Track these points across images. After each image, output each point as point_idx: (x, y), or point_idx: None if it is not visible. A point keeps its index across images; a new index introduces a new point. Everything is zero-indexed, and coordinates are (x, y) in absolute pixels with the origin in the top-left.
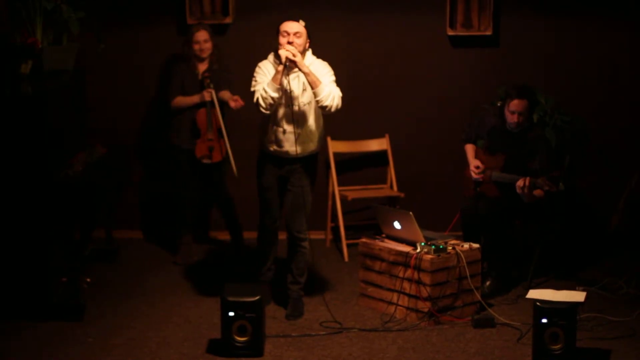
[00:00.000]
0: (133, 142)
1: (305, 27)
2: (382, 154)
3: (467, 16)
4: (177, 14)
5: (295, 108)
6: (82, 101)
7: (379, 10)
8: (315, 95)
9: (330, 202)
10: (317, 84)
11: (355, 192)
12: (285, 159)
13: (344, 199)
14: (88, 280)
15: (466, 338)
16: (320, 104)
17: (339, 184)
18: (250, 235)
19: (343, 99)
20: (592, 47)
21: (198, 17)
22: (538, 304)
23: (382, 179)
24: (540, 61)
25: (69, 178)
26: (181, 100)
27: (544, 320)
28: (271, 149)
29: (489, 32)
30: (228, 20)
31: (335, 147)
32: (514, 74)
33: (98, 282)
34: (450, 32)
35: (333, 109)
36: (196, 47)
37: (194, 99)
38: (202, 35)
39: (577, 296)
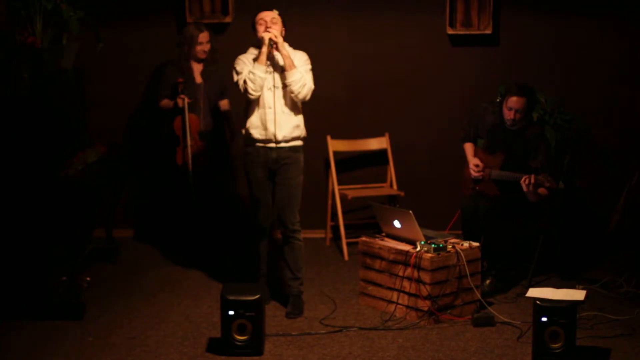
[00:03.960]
0: (133, 141)
1: (280, 15)
2: (382, 153)
3: (467, 15)
4: (176, 13)
5: (279, 88)
6: (82, 100)
7: (379, 9)
8: (286, 77)
9: (330, 201)
10: (292, 67)
11: (355, 191)
12: (272, 147)
13: (343, 198)
14: (88, 279)
15: (466, 337)
16: (289, 87)
17: (339, 183)
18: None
19: (343, 97)
20: (592, 46)
21: (198, 17)
22: (538, 302)
23: (382, 178)
24: (540, 60)
25: (68, 177)
26: (166, 104)
27: (544, 319)
28: (257, 135)
29: (488, 31)
30: (228, 19)
31: (335, 145)
32: (514, 72)
33: (98, 281)
34: (450, 31)
35: (300, 97)
36: (199, 48)
37: (171, 104)
38: (205, 37)
39: (577, 295)
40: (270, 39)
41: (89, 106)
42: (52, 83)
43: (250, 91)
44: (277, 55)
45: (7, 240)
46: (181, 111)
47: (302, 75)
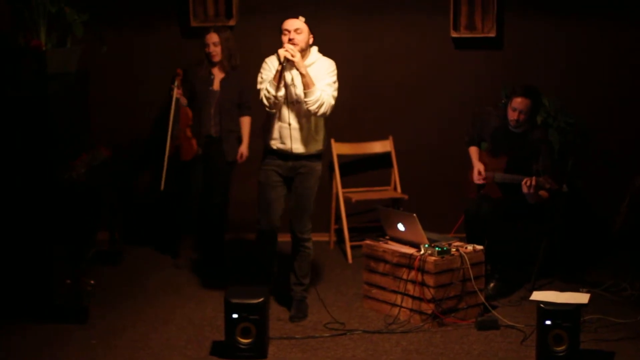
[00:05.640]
0: (136, 144)
1: (306, 22)
2: (385, 156)
3: (470, 18)
4: (180, 17)
5: (299, 104)
6: (86, 103)
7: (383, 12)
8: (304, 95)
9: (334, 204)
10: (310, 86)
11: (359, 194)
12: (289, 155)
13: (347, 201)
14: (91, 282)
15: (470, 340)
16: (305, 107)
17: (343, 186)
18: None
19: (347, 101)
20: (596, 49)
21: (202, 20)
22: (542, 305)
23: (386, 181)
24: (543, 63)
25: (72, 180)
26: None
27: (548, 322)
28: (274, 146)
29: (492, 34)
30: (232, 22)
31: (339, 149)
32: (518, 76)
33: (101, 284)
34: (454, 34)
35: (318, 115)
36: (207, 49)
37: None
38: (211, 38)
39: (581, 298)
40: (285, 57)
41: (92, 109)
42: (56, 86)
43: (266, 108)
44: (295, 72)
45: (11, 243)
46: (177, 103)
47: (320, 94)
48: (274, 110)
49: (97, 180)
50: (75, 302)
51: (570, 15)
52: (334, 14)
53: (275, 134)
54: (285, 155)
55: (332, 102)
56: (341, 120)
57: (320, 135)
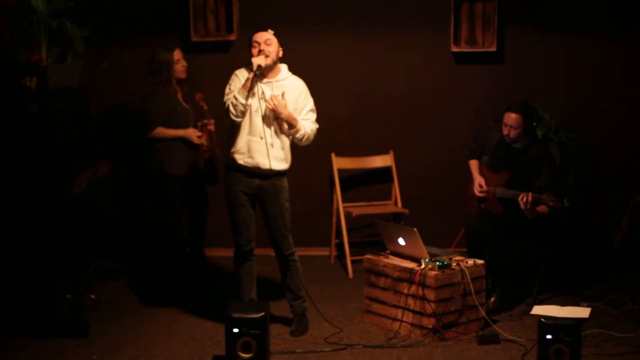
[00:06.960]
0: (137, 160)
1: (275, 35)
2: (386, 171)
3: (471, 32)
4: (181, 32)
5: (269, 118)
6: (87, 118)
7: (383, 27)
8: (291, 133)
9: (334, 219)
10: (295, 124)
11: (360, 209)
12: (255, 172)
13: (348, 216)
14: (92, 297)
15: (471, 354)
16: (293, 139)
17: (344, 201)
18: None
19: (347, 115)
20: (596, 63)
21: (202, 35)
22: (543, 320)
23: (387, 196)
24: (544, 78)
25: (73, 196)
26: (162, 132)
27: (549, 337)
28: (241, 162)
29: (493, 49)
30: (232, 37)
31: (339, 163)
32: (518, 90)
33: (102, 299)
34: (455, 49)
35: (306, 144)
36: (179, 66)
37: (178, 132)
38: (179, 54)
39: (582, 312)
40: (259, 65)
41: (93, 124)
42: (57, 100)
43: (232, 116)
44: (269, 85)
45: (11, 258)
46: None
47: (304, 130)
48: (239, 119)
49: (97, 195)
50: (76, 317)
51: (571, 29)
52: (334, 30)
53: (243, 147)
54: (251, 172)
55: (315, 127)
56: (342, 134)
57: (288, 152)
